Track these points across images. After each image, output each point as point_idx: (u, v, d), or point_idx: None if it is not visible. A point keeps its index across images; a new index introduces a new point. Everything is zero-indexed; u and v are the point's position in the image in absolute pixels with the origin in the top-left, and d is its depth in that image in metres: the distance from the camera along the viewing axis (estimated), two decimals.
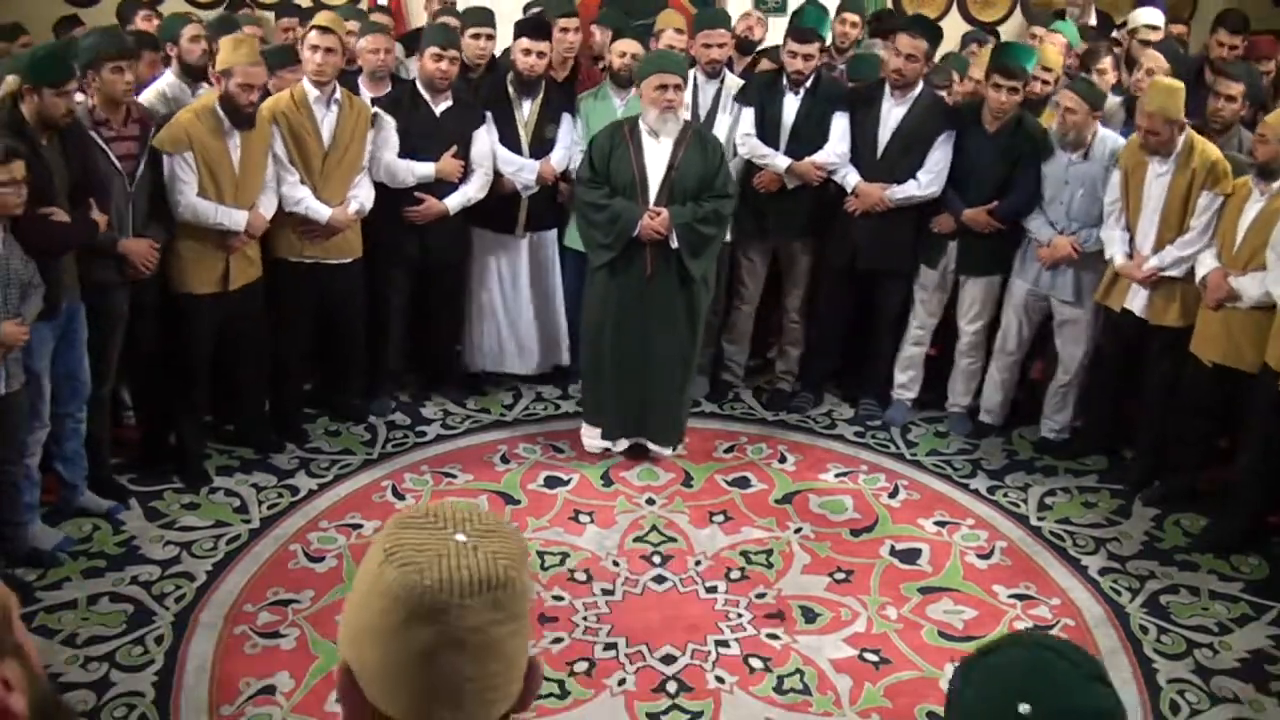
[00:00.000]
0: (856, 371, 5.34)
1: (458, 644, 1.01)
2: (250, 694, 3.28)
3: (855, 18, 5.91)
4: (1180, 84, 4.27)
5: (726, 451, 4.86)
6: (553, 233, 5.24)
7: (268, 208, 4.42)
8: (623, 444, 4.73)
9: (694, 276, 4.47)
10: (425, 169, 4.76)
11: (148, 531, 4.12)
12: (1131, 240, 4.39)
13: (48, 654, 3.40)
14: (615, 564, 3.99)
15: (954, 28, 7.04)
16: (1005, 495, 4.54)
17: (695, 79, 5.04)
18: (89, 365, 4.00)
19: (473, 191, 4.88)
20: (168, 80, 4.72)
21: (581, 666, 3.44)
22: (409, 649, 1.02)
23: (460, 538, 1.05)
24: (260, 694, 3.28)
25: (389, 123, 4.72)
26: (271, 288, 4.59)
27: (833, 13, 5.73)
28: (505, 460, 4.72)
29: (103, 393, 4.16)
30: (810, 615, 3.72)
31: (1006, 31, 7.35)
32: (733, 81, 5.10)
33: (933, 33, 4.92)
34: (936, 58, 5.09)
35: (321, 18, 4.81)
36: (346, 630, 1.08)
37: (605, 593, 3.81)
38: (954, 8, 7.74)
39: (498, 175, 4.95)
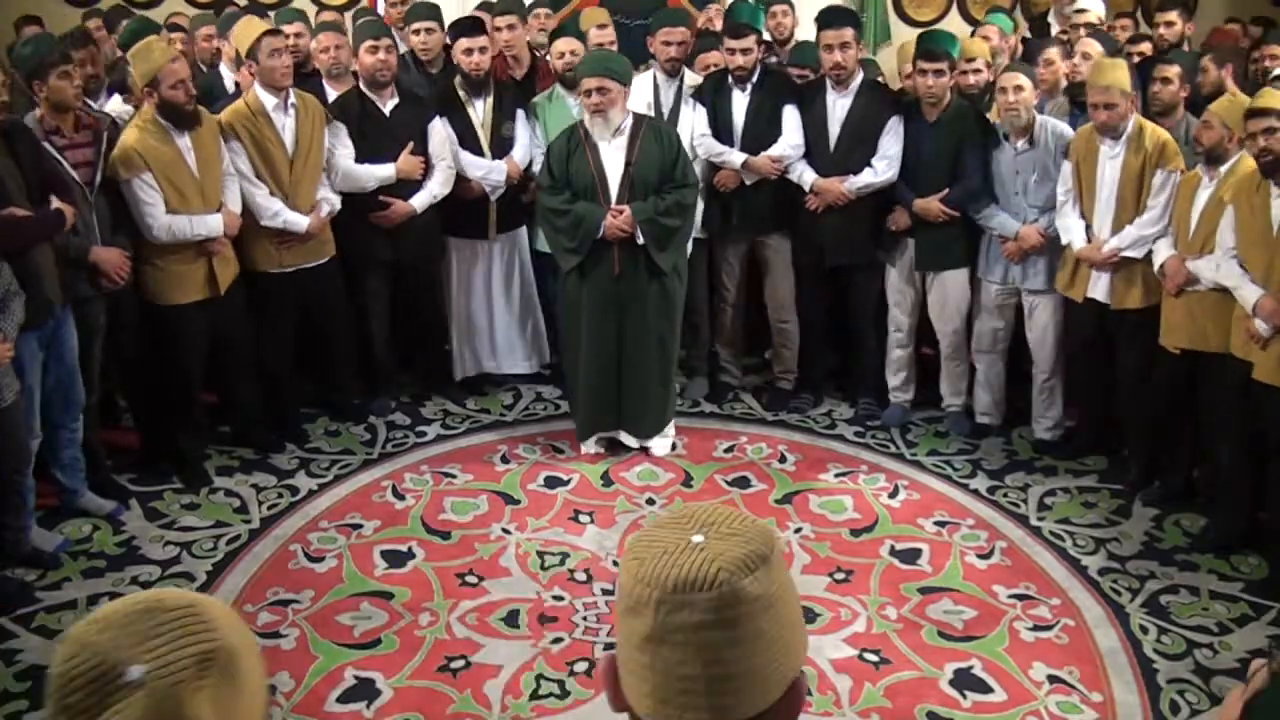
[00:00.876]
0: (852, 371, 5.35)
1: (667, 640, 1.00)
2: None
3: (785, 7, 5.95)
4: (1122, 60, 4.41)
5: (726, 451, 4.86)
6: (523, 231, 5.24)
7: (235, 203, 4.39)
8: (591, 445, 4.73)
9: (663, 269, 4.48)
10: (385, 171, 4.75)
11: (148, 532, 4.12)
12: (1089, 227, 4.41)
13: (48, 654, 3.40)
14: (615, 564, 3.99)
15: (955, 28, 7.03)
16: (1005, 495, 4.54)
17: (655, 77, 5.07)
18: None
19: (437, 188, 4.87)
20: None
21: (581, 666, 3.44)
22: (631, 639, 1.03)
23: (697, 538, 1.04)
24: None
25: (341, 129, 4.71)
26: (255, 299, 4.58)
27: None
28: (505, 460, 4.72)
29: (89, 402, 4.14)
30: (810, 615, 3.72)
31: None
32: (692, 79, 5.11)
33: (853, 18, 5.01)
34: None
35: (257, 22, 4.75)
36: (615, 616, 1.10)
37: (605, 593, 3.81)
38: (954, 8, 7.74)
39: (465, 180, 4.93)
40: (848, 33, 4.76)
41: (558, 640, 3.56)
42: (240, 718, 1.00)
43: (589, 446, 4.75)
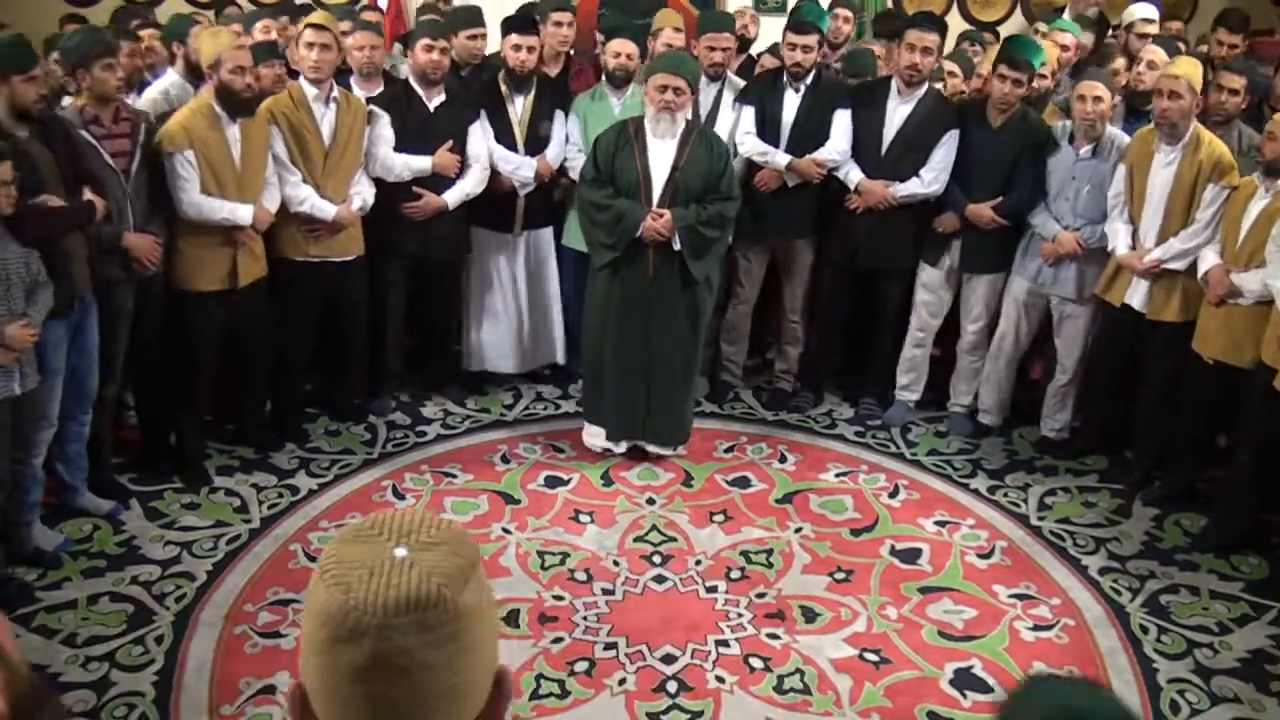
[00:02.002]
0: (857, 371, 5.35)
1: (386, 666, 0.94)
2: (250, 694, 3.28)
3: (848, 13, 5.93)
4: (1199, 61, 4.32)
5: (726, 451, 4.86)
6: (548, 231, 5.24)
7: (272, 201, 4.42)
8: (622, 446, 4.73)
9: (696, 278, 4.47)
10: (422, 163, 4.77)
11: (148, 531, 4.12)
12: (1135, 233, 4.39)
13: (48, 654, 3.40)
14: (615, 564, 3.99)
15: (954, 28, 7.03)
16: (1005, 495, 4.54)
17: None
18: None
19: (470, 186, 4.89)
20: (171, 79, 4.73)
21: (581, 666, 3.44)
22: (339, 670, 0.95)
23: (400, 552, 0.97)
24: (260, 694, 3.28)
25: (384, 118, 4.72)
26: (276, 287, 4.59)
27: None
28: (505, 460, 4.72)
29: (106, 393, 4.15)
30: (810, 615, 3.72)
31: (1007, 32, 7.34)
32: (733, 83, 5.10)
33: (941, 26, 4.93)
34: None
35: (316, 15, 4.82)
36: (302, 648, 1.02)
37: (605, 592, 3.81)
38: (954, 8, 7.74)
39: (495, 174, 4.96)
40: (932, 39, 4.72)
41: (558, 640, 3.56)
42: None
43: (620, 447, 4.72)
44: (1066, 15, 6.45)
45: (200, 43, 4.30)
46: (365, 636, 0.93)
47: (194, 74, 4.72)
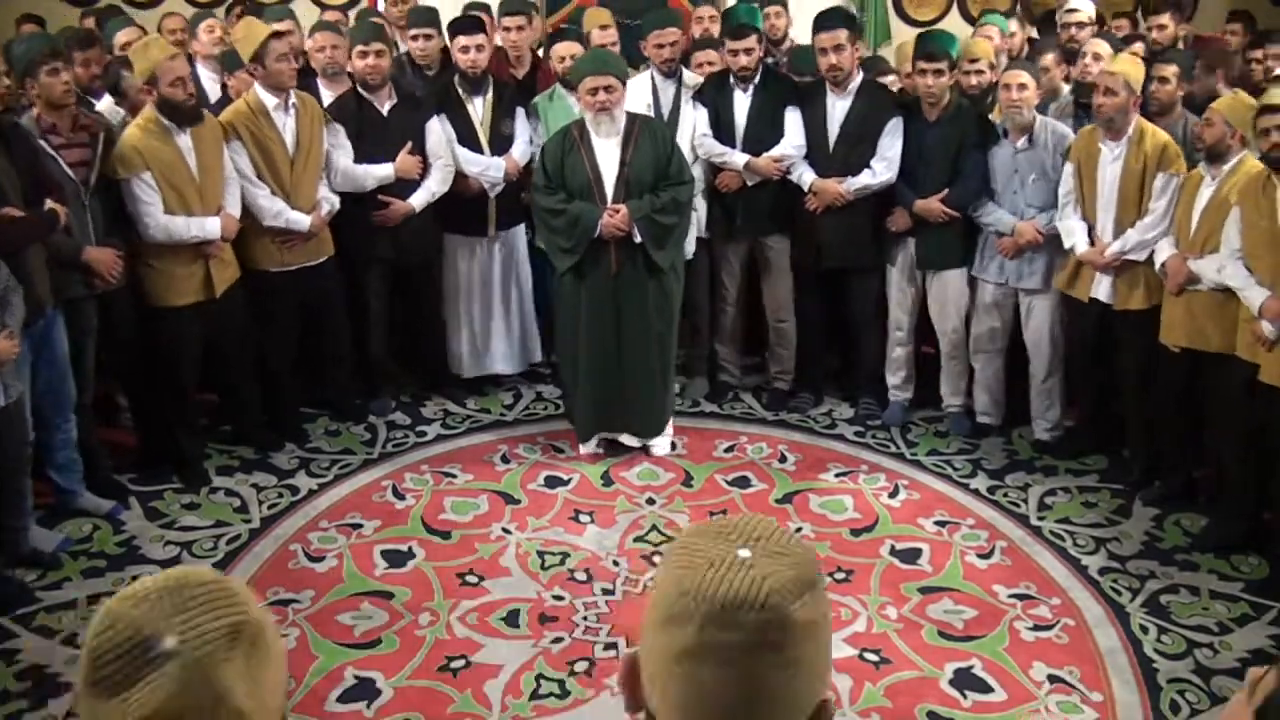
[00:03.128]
0: (852, 371, 5.35)
1: (703, 656, 0.96)
2: None
3: (778, 8, 5.96)
4: (1138, 59, 4.43)
5: (726, 451, 4.86)
6: (520, 229, 5.24)
7: (234, 206, 4.40)
8: (592, 444, 4.73)
9: (661, 267, 4.48)
10: (384, 171, 4.77)
11: (148, 531, 4.12)
12: (1091, 229, 4.41)
13: (48, 654, 3.40)
14: (615, 564, 3.99)
15: (955, 28, 7.03)
16: (1005, 495, 4.54)
17: (653, 79, 5.06)
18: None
19: (435, 186, 4.89)
20: (106, 104, 4.67)
21: (581, 666, 3.43)
22: (663, 650, 0.99)
23: (744, 553, 0.99)
24: None
25: (339, 130, 4.72)
26: (254, 298, 4.58)
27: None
28: (505, 460, 4.72)
29: (84, 400, 4.14)
30: None
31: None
32: (690, 79, 5.11)
33: (847, 18, 4.98)
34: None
35: (278, 25, 4.78)
36: (644, 619, 1.05)
37: (605, 592, 3.81)
38: (954, 8, 7.74)
39: (463, 177, 4.94)
40: (841, 34, 4.75)
41: (558, 640, 3.55)
42: (267, 688, 1.03)
43: (589, 447, 4.75)
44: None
45: (134, 58, 4.21)
46: (688, 623, 0.96)
47: (117, 94, 4.62)
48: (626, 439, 4.75)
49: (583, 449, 4.76)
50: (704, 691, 0.97)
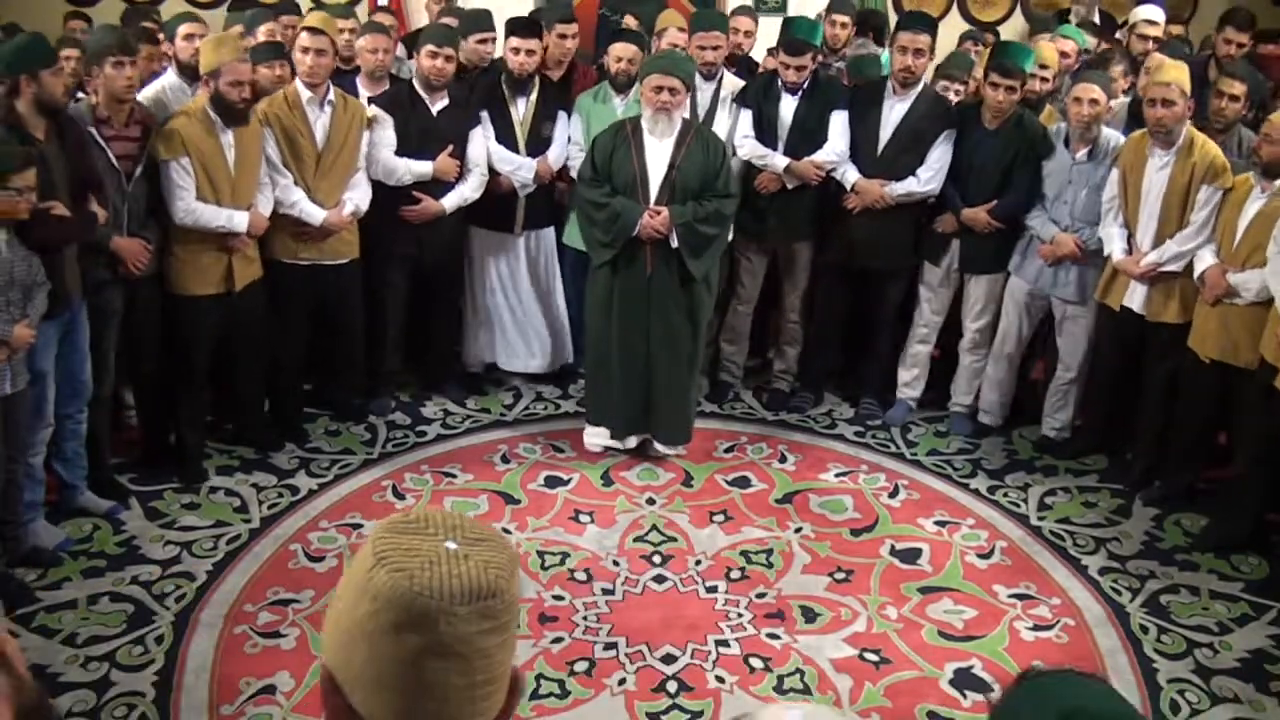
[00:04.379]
0: (857, 371, 5.35)
1: (445, 652, 1.00)
2: (250, 694, 3.28)
3: (845, 18, 5.92)
4: (1184, 64, 4.35)
5: (726, 451, 4.86)
6: (550, 230, 5.25)
7: (265, 206, 4.43)
8: (631, 441, 4.73)
9: (695, 276, 4.47)
10: (423, 167, 4.77)
11: (148, 531, 4.12)
12: (1130, 237, 4.39)
13: (48, 654, 3.40)
14: (615, 564, 3.99)
15: (955, 28, 7.04)
16: (1005, 495, 4.54)
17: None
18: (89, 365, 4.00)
19: (469, 191, 4.89)
20: (168, 79, 4.72)
21: (581, 666, 3.44)
22: (396, 655, 1.00)
23: (451, 545, 1.04)
24: (260, 694, 3.28)
25: (387, 121, 4.73)
26: (268, 289, 4.59)
27: (823, 12, 5.80)
28: (505, 460, 4.72)
29: (102, 392, 4.16)
30: (810, 615, 3.72)
31: (1006, 32, 7.36)
32: (730, 82, 5.10)
33: (930, 25, 4.91)
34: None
35: (313, 18, 4.81)
36: (333, 634, 1.06)
37: (605, 592, 3.81)
38: (954, 7, 7.75)
39: (495, 174, 4.97)
40: (924, 39, 4.72)
41: (558, 640, 3.56)
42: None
43: (603, 444, 4.73)
44: (1072, 19, 6.45)
45: (203, 49, 4.29)
46: (430, 622, 0.99)
47: (186, 73, 4.68)
48: (657, 446, 4.73)
49: (622, 444, 4.70)
50: (443, 682, 1.01)
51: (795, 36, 4.85)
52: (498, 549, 1.06)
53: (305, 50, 4.44)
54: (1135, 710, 1.09)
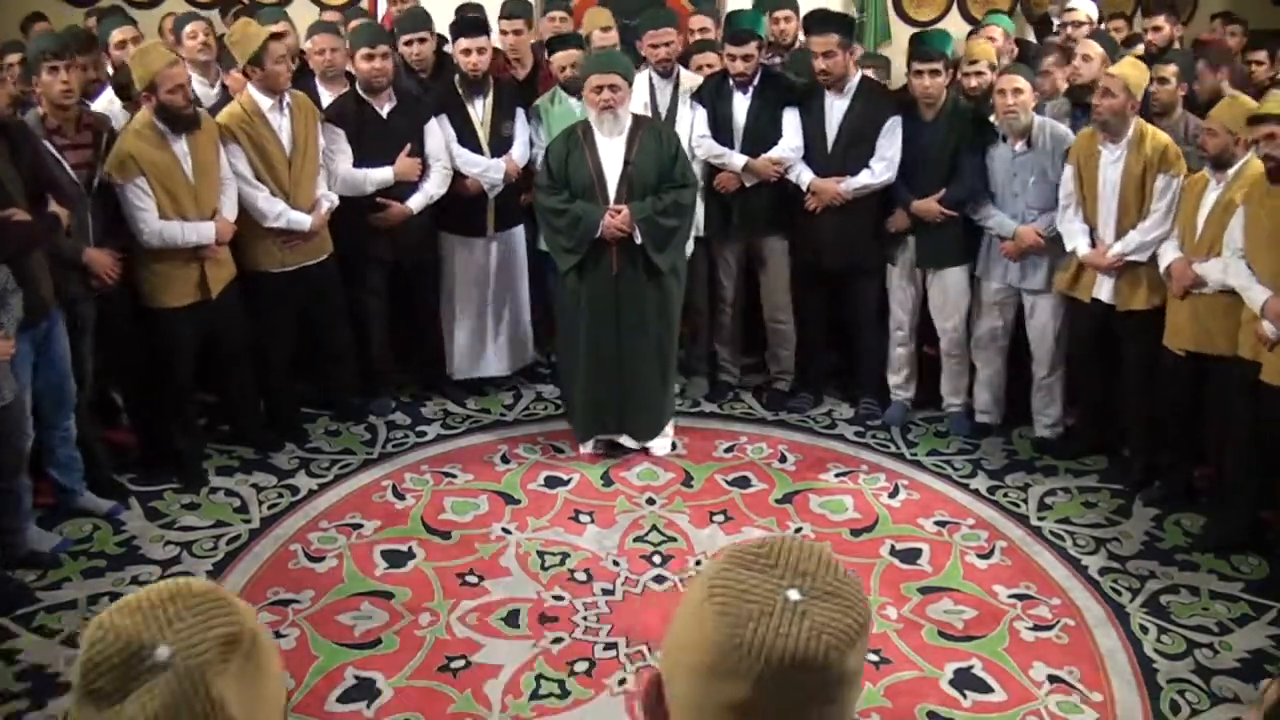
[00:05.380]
0: (853, 371, 5.35)
1: (756, 711, 0.93)
2: None
3: (788, 12, 5.92)
4: (1140, 61, 4.44)
5: (726, 451, 4.86)
6: (519, 230, 5.23)
7: (230, 210, 4.39)
8: (590, 445, 4.73)
9: (662, 269, 4.48)
10: (383, 174, 4.77)
11: (148, 531, 4.12)
12: (1092, 231, 4.41)
13: (48, 654, 3.40)
14: (615, 564, 3.99)
15: (955, 28, 7.03)
16: (1005, 495, 4.54)
17: (651, 79, 5.07)
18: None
19: (433, 188, 4.89)
20: (107, 98, 4.65)
21: (581, 666, 3.43)
22: (711, 697, 0.95)
23: (794, 595, 0.94)
24: None
25: (338, 134, 4.72)
26: (255, 299, 4.58)
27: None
28: (505, 460, 4.72)
29: (83, 397, 4.13)
30: None
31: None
32: (688, 79, 5.10)
33: (840, 22, 4.93)
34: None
35: (277, 26, 4.78)
36: (669, 644, 1.00)
37: (605, 592, 3.81)
38: (954, 7, 7.75)
39: (462, 177, 4.94)
40: (832, 39, 4.73)
41: (558, 640, 3.55)
42: (263, 700, 1.02)
43: (587, 448, 4.75)
44: (1054, 17, 6.49)
45: (133, 65, 4.20)
46: (745, 679, 0.93)
47: (121, 92, 4.60)
48: (625, 440, 4.75)
49: (581, 449, 4.76)
50: None
51: (739, 27, 4.92)
52: (846, 609, 0.95)
53: (281, 59, 4.45)
54: None
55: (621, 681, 3.38)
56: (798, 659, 0.92)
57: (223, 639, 0.98)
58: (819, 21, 4.90)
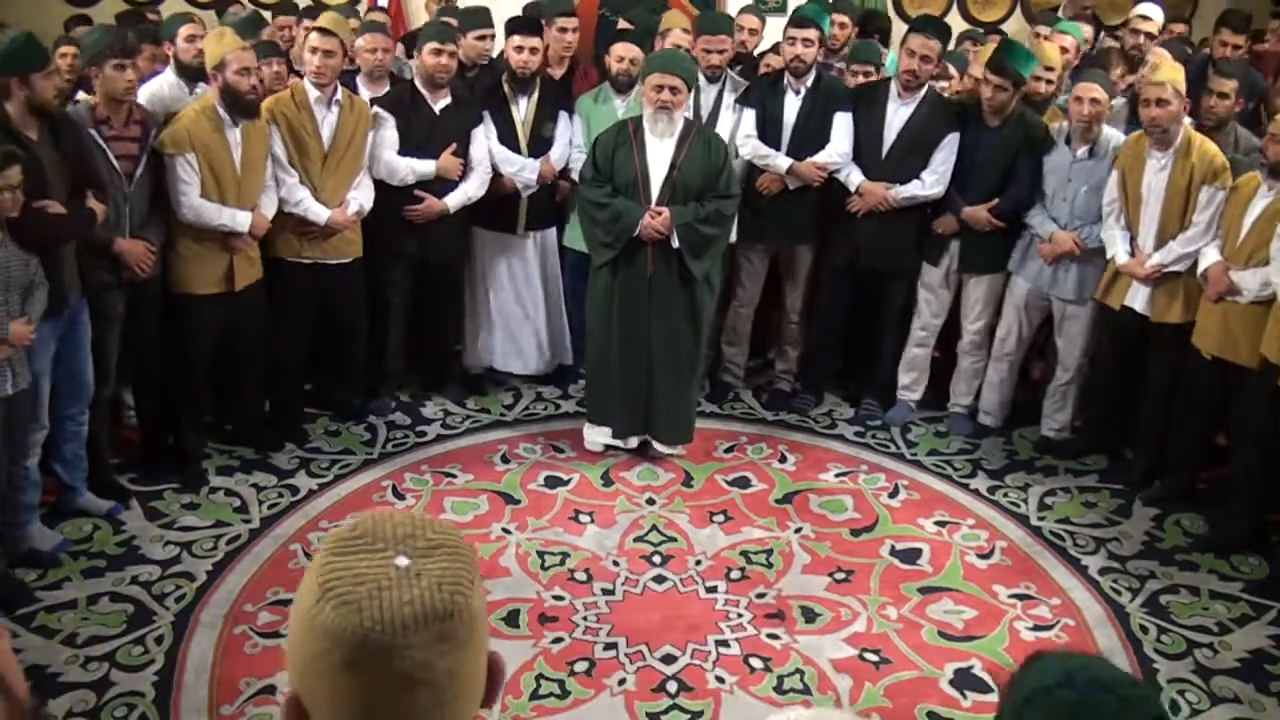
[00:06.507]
0: (858, 372, 5.35)
1: (408, 684, 0.93)
2: (250, 694, 3.28)
3: (845, 18, 5.90)
4: (1179, 64, 4.36)
5: (726, 451, 4.86)
6: (552, 231, 5.25)
7: (269, 208, 4.43)
8: (632, 442, 4.73)
9: (695, 276, 4.47)
10: (426, 166, 4.77)
11: (148, 531, 4.12)
12: (1133, 239, 4.39)
13: (48, 654, 3.40)
14: (615, 564, 3.99)
15: (954, 26, 7.02)
16: (1005, 495, 4.54)
17: (697, 82, 5.04)
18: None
19: (472, 190, 4.89)
20: (166, 79, 4.72)
21: (581, 666, 3.43)
22: (357, 691, 0.93)
23: (402, 561, 0.95)
24: (260, 694, 3.28)
25: (389, 121, 4.73)
26: (271, 288, 4.59)
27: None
28: (505, 460, 4.72)
29: (103, 396, 4.15)
30: (810, 615, 3.72)
31: (1007, 32, 7.34)
32: (734, 83, 5.09)
33: (944, 32, 4.90)
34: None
35: (324, 19, 4.82)
36: (293, 662, 0.99)
37: (605, 592, 3.81)
38: (954, 7, 7.74)
39: (498, 175, 4.96)
40: (936, 46, 4.70)
41: (558, 640, 3.55)
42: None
43: (603, 443, 4.74)
44: (1062, 14, 6.45)
45: (205, 45, 4.30)
46: (384, 658, 0.91)
47: (186, 74, 4.68)
48: (656, 445, 4.73)
49: (624, 444, 4.70)
50: (409, 709, 0.94)
51: (803, 13, 4.89)
52: (454, 555, 0.97)
53: (315, 50, 4.45)
54: (1132, 676, 1.11)
55: (621, 681, 3.37)
56: (432, 614, 0.92)
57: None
58: (929, 24, 4.85)
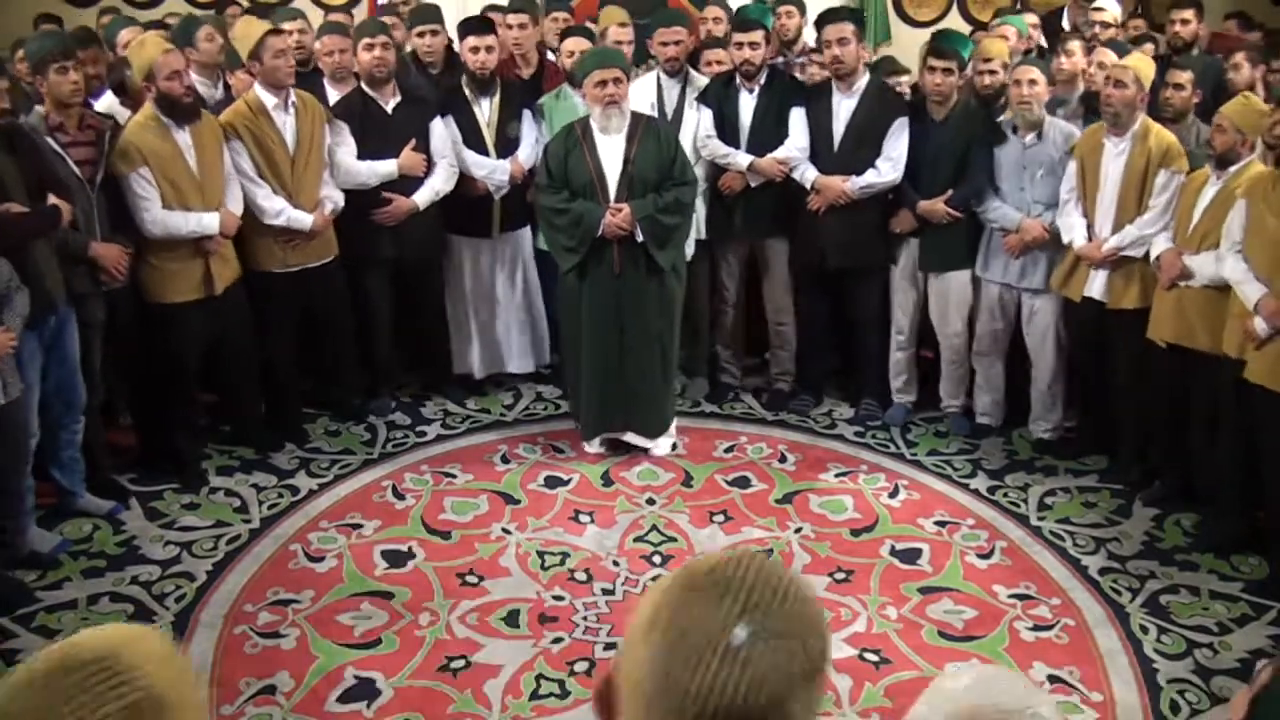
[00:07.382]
0: (855, 372, 5.35)
1: None
2: (250, 694, 3.28)
3: (790, 8, 5.93)
4: (1149, 59, 4.49)
5: (726, 451, 4.86)
6: (526, 231, 5.23)
7: (235, 204, 4.40)
8: (596, 444, 4.74)
9: (662, 267, 4.48)
10: (387, 167, 4.77)
11: (148, 531, 4.12)
12: (1090, 225, 4.42)
13: None
14: (615, 564, 3.99)
15: (955, 27, 7.04)
16: (1005, 495, 4.54)
17: (659, 79, 5.07)
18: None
19: (439, 184, 4.88)
20: (108, 101, 4.66)
21: (581, 666, 3.43)
22: (654, 700, 0.93)
23: (740, 634, 0.90)
24: (260, 694, 3.28)
25: (343, 127, 4.72)
26: (257, 298, 4.58)
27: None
28: (505, 460, 4.72)
29: (91, 402, 4.13)
30: None
31: None
32: (696, 79, 5.11)
33: (853, 14, 4.98)
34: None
35: (265, 23, 4.77)
36: (625, 650, 0.97)
37: (605, 592, 3.81)
38: (954, 8, 7.75)
39: (468, 179, 4.94)
40: (846, 28, 4.75)
41: (558, 640, 3.56)
42: None
43: (593, 447, 4.75)
44: (1066, 18, 6.47)
45: (130, 56, 4.24)
46: (679, 710, 0.90)
47: (122, 92, 4.61)
48: (631, 438, 4.74)
49: (587, 448, 4.76)
50: None
51: (745, 15, 4.99)
52: (792, 655, 0.90)
53: (280, 53, 4.44)
54: None
55: None
56: (732, 709, 0.88)
57: (122, 710, 0.92)
58: (834, 12, 4.94)
